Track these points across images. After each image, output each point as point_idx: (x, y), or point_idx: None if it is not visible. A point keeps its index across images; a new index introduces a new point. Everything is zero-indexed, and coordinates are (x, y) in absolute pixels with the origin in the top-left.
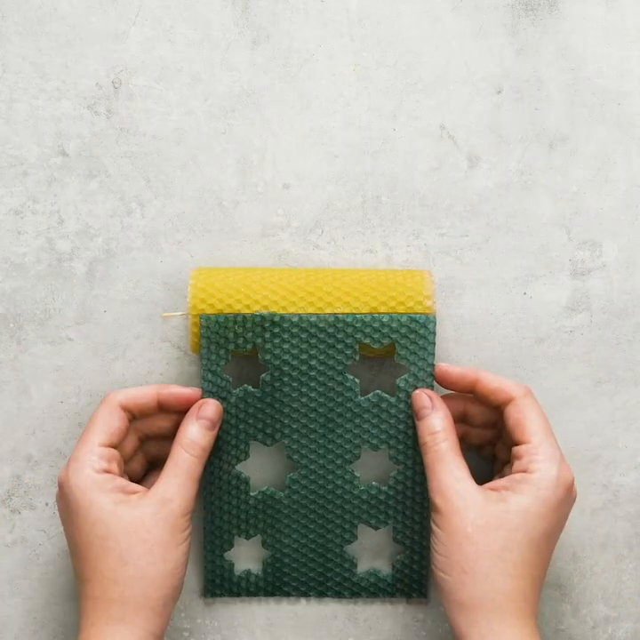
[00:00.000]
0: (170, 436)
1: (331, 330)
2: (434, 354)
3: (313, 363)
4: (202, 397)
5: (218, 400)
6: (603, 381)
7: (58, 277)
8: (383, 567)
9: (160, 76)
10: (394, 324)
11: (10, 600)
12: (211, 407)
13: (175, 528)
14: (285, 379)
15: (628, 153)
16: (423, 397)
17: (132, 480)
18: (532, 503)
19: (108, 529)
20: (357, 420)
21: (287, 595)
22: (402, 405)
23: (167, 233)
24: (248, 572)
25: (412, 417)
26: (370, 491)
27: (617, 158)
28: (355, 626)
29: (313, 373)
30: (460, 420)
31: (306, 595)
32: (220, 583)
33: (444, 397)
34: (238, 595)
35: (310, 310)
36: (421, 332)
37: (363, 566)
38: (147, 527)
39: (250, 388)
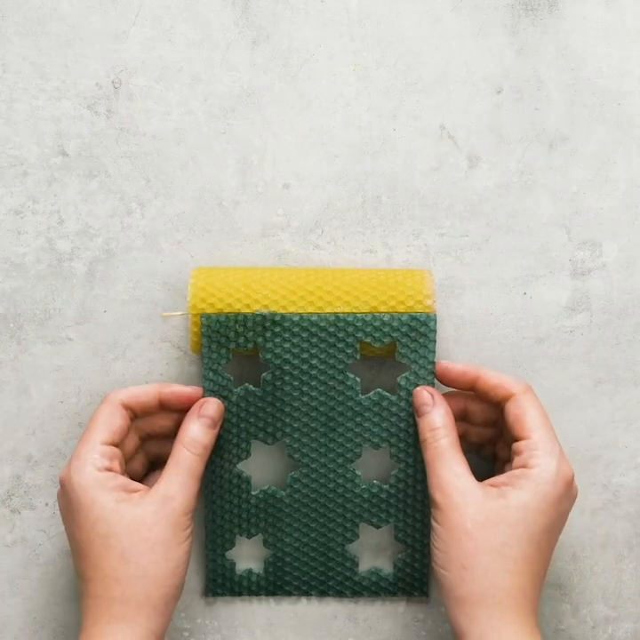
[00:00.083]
0: (171, 435)
1: (331, 329)
2: (434, 352)
3: (314, 362)
4: (203, 396)
5: (219, 399)
6: (603, 381)
7: (58, 277)
8: (384, 566)
9: (160, 76)
10: (394, 323)
11: (10, 600)
12: (212, 406)
13: (177, 526)
14: (286, 378)
15: (628, 153)
16: (424, 394)
17: (133, 479)
18: (531, 498)
19: (110, 527)
20: (358, 419)
21: (288, 594)
22: (403, 404)
23: (167, 233)
24: (249, 571)
25: (412, 415)
26: (371, 489)
27: (617, 158)
28: (355, 626)
29: (314, 372)
30: (460, 418)
31: (307, 594)
32: (221, 582)
33: (445, 395)
34: (239, 594)
35: (311, 309)
36: (422, 330)
37: (364, 565)
38: (148, 525)
39: (251, 386)
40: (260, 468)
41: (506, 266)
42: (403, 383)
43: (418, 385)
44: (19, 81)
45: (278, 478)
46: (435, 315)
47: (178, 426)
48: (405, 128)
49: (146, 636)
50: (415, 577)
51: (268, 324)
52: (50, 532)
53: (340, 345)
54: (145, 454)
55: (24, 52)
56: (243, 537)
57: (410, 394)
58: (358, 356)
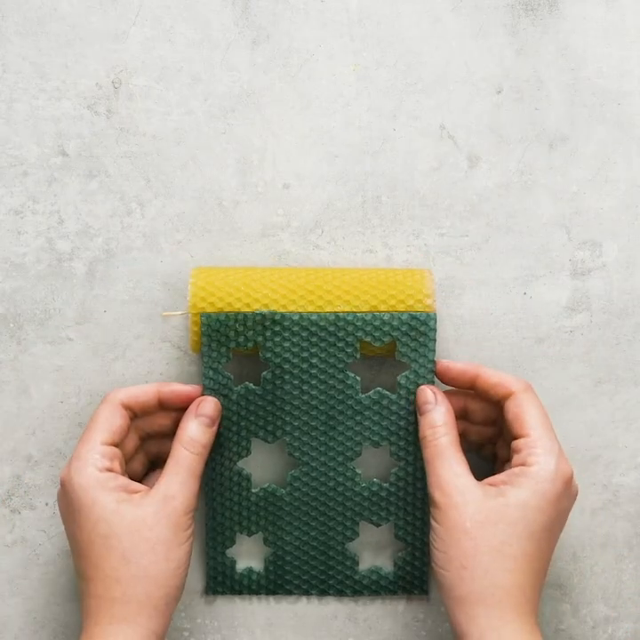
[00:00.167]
0: (170, 434)
1: (331, 328)
2: (434, 351)
3: (314, 361)
4: (202, 394)
5: (219, 398)
6: (603, 381)
7: (58, 277)
8: (385, 564)
9: (160, 75)
10: (394, 322)
11: (10, 600)
12: (209, 404)
13: (178, 526)
14: (286, 376)
15: (628, 153)
16: (427, 393)
17: (132, 479)
18: (530, 497)
19: (111, 528)
20: (358, 418)
21: (289, 593)
22: (403, 402)
23: (167, 233)
24: (250, 570)
25: (413, 414)
26: (371, 488)
27: (617, 158)
28: (355, 626)
29: (314, 371)
30: (460, 416)
31: (307, 592)
32: (221, 580)
33: (445, 393)
34: (240, 592)
35: (311, 309)
36: (422, 329)
37: (364, 563)
38: (149, 526)
39: (251, 385)
40: (261, 466)
41: (506, 266)
42: (403, 382)
43: (418, 384)
44: (19, 81)
45: (278, 476)
46: (435, 314)
47: (177, 424)
48: (405, 128)
49: (147, 636)
50: (415, 575)
51: (268, 324)
52: (50, 532)
53: (340, 344)
54: (145, 454)
55: (24, 52)
56: (243, 535)
57: (410, 393)
58: (358, 355)
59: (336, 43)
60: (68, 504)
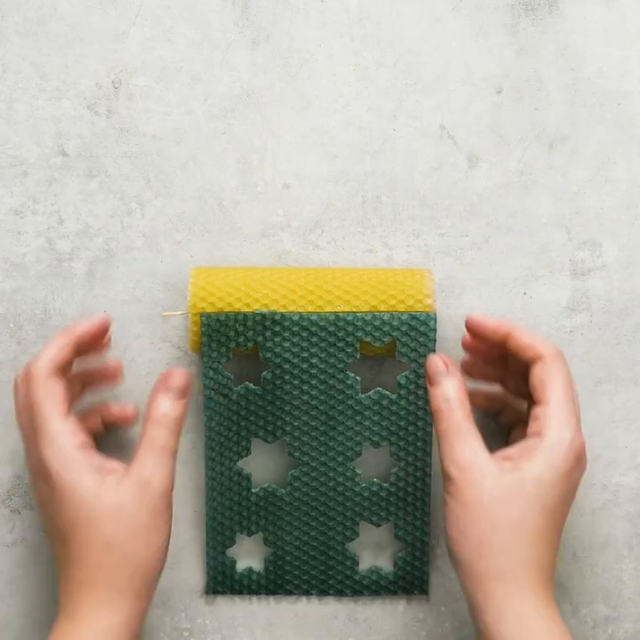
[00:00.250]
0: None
1: (331, 328)
2: (434, 351)
3: (314, 361)
4: (109, 331)
5: (219, 397)
6: (603, 381)
7: (58, 277)
8: (385, 564)
9: (160, 75)
10: (394, 322)
11: (10, 600)
12: (177, 377)
13: (156, 510)
14: (286, 376)
15: (628, 153)
16: (438, 363)
17: (94, 435)
18: (545, 471)
19: (93, 514)
20: (358, 418)
21: (289, 593)
22: (403, 402)
23: (167, 233)
24: (250, 570)
25: (413, 414)
26: (371, 488)
27: (617, 158)
28: (355, 626)
29: (314, 371)
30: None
31: (307, 593)
32: (221, 580)
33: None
34: (240, 592)
35: (311, 309)
36: (422, 329)
37: (364, 563)
38: (129, 512)
39: (251, 385)
40: (261, 466)
41: (506, 266)
42: (403, 382)
43: (418, 384)
44: (19, 81)
45: (278, 476)
46: (435, 314)
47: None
48: (405, 128)
49: (128, 618)
50: (415, 575)
51: (268, 324)
52: None
53: (340, 344)
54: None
55: (24, 52)
56: (243, 535)
57: (410, 393)
58: (358, 355)
59: (336, 43)
60: (49, 491)
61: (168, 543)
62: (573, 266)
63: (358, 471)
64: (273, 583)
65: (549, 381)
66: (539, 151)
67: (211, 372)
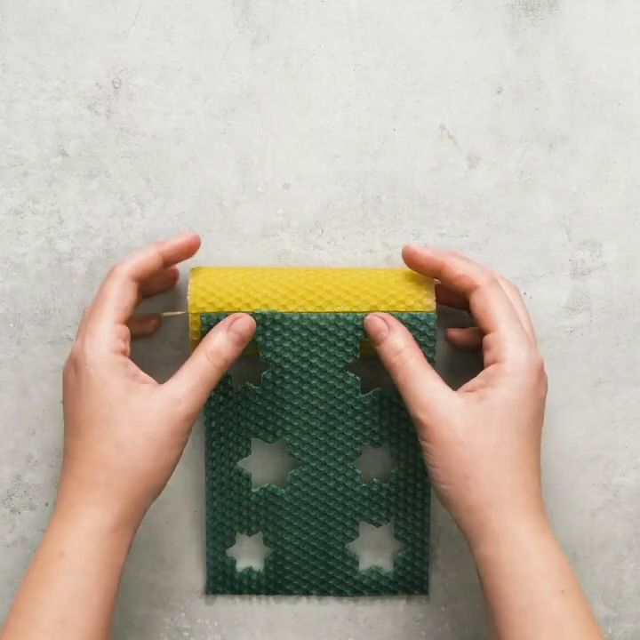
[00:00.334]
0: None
1: (331, 328)
2: (435, 351)
3: (314, 361)
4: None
5: (219, 397)
6: (603, 381)
7: (58, 277)
8: (385, 564)
9: (160, 75)
10: None
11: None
12: (243, 323)
13: (176, 430)
14: (286, 376)
15: (628, 153)
16: (378, 321)
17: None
18: (510, 394)
19: (114, 414)
20: (358, 418)
21: (289, 593)
22: (402, 403)
23: (167, 233)
24: (250, 569)
25: None
26: (371, 488)
27: (617, 158)
28: (355, 626)
29: (314, 371)
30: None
31: (307, 593)
32: (221, 580)
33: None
34: (240, 592)
35: (311, 309)
36: (422, 329)
37: (364, 563)
38: (150, 421)
39: (251, 385)
40: (261, 465)
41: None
42: None
43: None
44: (19, 81)
45: (278, 476)
46: (435, 314)
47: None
48: (405, 128)
49: (120, 524)
50: (415, 575)
51: (268, 324)
52: None
53: (340, 344)
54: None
55: (24, 52)
56: (243, 535)
57: None
58: (358, 356)
59: (336, 43)
60: (78, 381)
61: (175, 465)
62: (573, 266)
63: (358, 471)
64: (273, 583)
65: (490, 308)
66: (539, 151)
67: None
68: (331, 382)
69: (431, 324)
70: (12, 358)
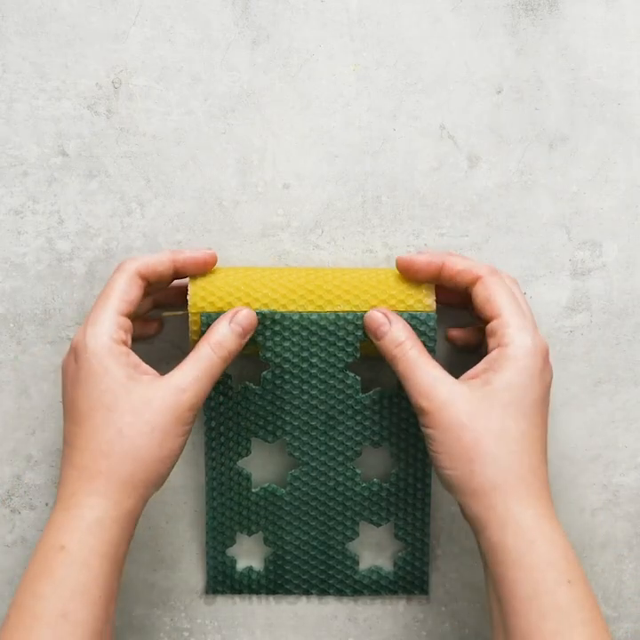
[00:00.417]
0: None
1: (331, 328)
2: (435, 351)
3: (314, 360)
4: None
5: (219, 397)
6: (603, 381)
7: (58, 277)
8: (385, 564)
9: (160, 75)
10: None
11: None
12: (245, 316)
13: (180, 419)
14: (286, 376)
15: (628, 153)
16: (378, 316)
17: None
18: (514, 376)
19: (116, 401)
20: (358, 417)
21: (289, 592)
22: (403, 402)
23: (167, 233)
24: (250, 569)
25: (413, 413)
26: (371, 488)
27: (617, 158)
28: (355, 626)
29: (314, 371)
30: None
31: (307, 592)
32: (221, 580)
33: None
34: (240, 592)
35: (311, 308)
36: (422, 329)
37: (364, 563)
38: (153, 409)
39: (251, 385)
40: (261, 465)
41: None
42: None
43: None
44: (19, 81)
45: (279, 476)
46: (435, 313)
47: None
48: (405, 128)
49: (121, 514)
50: (415, 575)
51: (267, 323)
52: None
53: (340, 344)
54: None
55: (24, 52)
56: (243, 534)
57: None
58: (358, 355)
59: (336, 43)
60: (78, 369)
61: (178, 455)
62: (573, 266)
63: (358, 471)
64: (273, 583)
65: (493, 296)
66: (539, 151)
67: None
68: (331, 382)
69: (431, 323)
70: (12, 358)
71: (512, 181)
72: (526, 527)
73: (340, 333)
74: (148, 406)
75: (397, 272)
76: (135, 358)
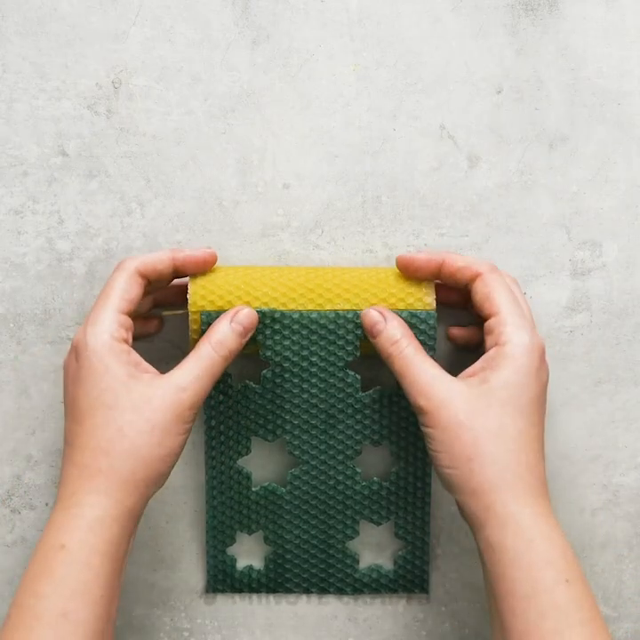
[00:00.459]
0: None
1: (331, 326)
2: (435, 349)
3: (314, 359)
4: (216, 257)
5: (219, 396)
6: (603, 381)
7: (58, 277)
8: (385, 563)
9: (160, 75)
10: None
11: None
12: (246, 315)
13: (180, 417)
14: (286, 375)
15: (628, 153)
16: (373, 314)
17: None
18: (511, 375)
19: (117, 399)
20: (358, 416)
21: (289, 591)
22: (403, 401)
23: (167, 233)
24: (250, 568)
25: (413, 413)
26: (371, 486)
27: (617, 158)
28: (355, 626)
29: (314, 369)
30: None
31: (308, 591)
32: (222, 579)
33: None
34: (240, 591)
35: (311, 307)
36: (422, 327)
37: (364, 562)
38: (154, 408)
39: (251, 383)
40: (261, 464)
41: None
42: None
43: None
44: (19, 81)
45: (279, 475)
46: (435, 312)
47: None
48: (405, 128)
49: (122, 512)
50: (415, 574)
51: (267, 322)
52: None
53: (340, 342)
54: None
55: (24, 52)
56: (243, 533)
57: None
58: (358, 354)
59: (336, 43)
60: (79, 368)
61: (179, 454)
62: (573, 266)
63: (358, 470)
64: (273, 581)
65: (492, 293)
66: (539, 151)
67: None
68: (331, 380)
69: (431, 322)
70: (12, 358)
71: (512, 181)
72: (525, 526)
73: (340, 332)
74: (148, 404)
75: (397, 271)
76: (136, 356)
